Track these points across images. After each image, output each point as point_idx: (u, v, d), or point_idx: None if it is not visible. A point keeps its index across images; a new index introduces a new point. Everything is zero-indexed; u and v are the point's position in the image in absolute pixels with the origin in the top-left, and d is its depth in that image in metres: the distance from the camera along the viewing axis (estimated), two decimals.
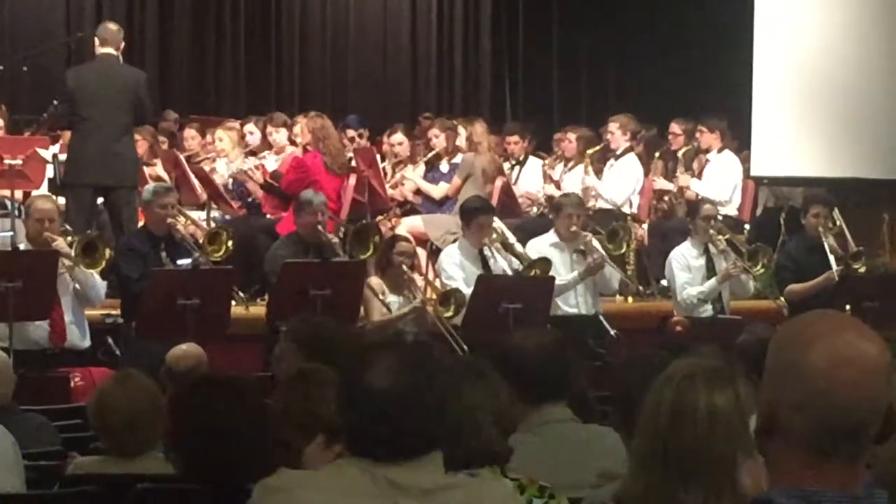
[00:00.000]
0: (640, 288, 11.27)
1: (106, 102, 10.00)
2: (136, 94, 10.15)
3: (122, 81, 10.17)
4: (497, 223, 10.10)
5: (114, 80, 10.13)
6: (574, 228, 9.87)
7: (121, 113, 10.05)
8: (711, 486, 2.82)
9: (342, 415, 2.81)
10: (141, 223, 9.79)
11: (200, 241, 9.21)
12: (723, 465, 2.84)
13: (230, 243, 9.09)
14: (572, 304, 9.90)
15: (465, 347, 8.72)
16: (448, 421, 2.84)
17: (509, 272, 9.69)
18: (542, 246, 10.00)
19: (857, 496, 2.07)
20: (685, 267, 10.16)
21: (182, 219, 9.30)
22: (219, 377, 4.18)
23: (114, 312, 9.22)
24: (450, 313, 9.14)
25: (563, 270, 9.86)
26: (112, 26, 10.49)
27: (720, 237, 10.31)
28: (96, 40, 10.32)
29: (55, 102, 10.66)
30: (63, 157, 10.39)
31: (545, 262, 9.75)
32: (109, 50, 10.21)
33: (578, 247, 9.91)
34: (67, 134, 10.53)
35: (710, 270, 10.21)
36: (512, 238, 10.26)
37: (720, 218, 10.79)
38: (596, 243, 9.94)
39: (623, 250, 10.41)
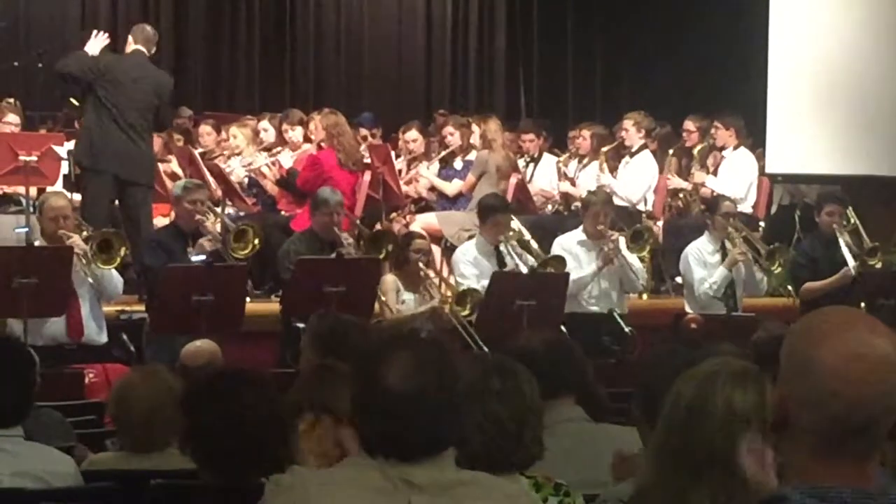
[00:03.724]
0: (655, 284, 11.24)
1: (132, 94, 10.09)
2: (160, 95, 10.25)
3: (151, 79, 10.31)
4: (514, 222, 10.05)
5: (143, 76, 10.24)
6: (601, 227, 9.81)
7: (144, 109, 10.17)
8: (720, 484, 2.78)
9: (355, 412, 2.80)
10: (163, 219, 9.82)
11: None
12: (734, 466, 2.79)
13: (256, 241, 9.07)
14: (597, 301, 9.87)
15: (482, 345, 8.67)
16: (466, 421, 2.82)
17: (524, 269, 9.65)
18: (569, 243, 9.94)
19: (870, 493, 2.07)
20: (700, 262, 10.12)
21: (211, 216, 9.29)
22: (236, 371, 4.14)
23: (128, 309, 9.24)
24: (466, 312, 9.09)
25: (589, 268, 9.80)
26: (149, 28, 10.67)
27: (737, 234, 10.27)
28: (130, 38, 10.42)
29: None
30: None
31: (559, 261, 9.72)
32: (140, 48, 10.30)
33: (606, 245, 9.80)
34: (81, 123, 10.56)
35: None
36: (528, 235, 10.22)
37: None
38: (622, 244, 9.88)
39: (646, 252, 10.35)
